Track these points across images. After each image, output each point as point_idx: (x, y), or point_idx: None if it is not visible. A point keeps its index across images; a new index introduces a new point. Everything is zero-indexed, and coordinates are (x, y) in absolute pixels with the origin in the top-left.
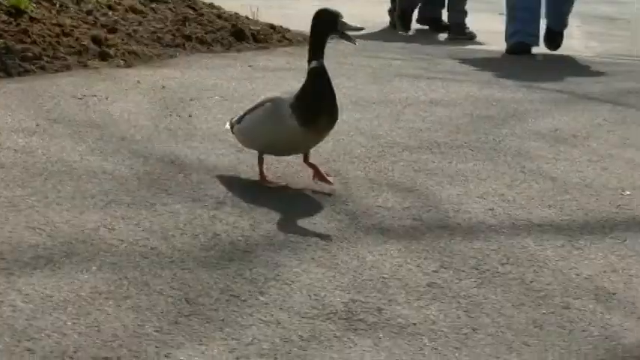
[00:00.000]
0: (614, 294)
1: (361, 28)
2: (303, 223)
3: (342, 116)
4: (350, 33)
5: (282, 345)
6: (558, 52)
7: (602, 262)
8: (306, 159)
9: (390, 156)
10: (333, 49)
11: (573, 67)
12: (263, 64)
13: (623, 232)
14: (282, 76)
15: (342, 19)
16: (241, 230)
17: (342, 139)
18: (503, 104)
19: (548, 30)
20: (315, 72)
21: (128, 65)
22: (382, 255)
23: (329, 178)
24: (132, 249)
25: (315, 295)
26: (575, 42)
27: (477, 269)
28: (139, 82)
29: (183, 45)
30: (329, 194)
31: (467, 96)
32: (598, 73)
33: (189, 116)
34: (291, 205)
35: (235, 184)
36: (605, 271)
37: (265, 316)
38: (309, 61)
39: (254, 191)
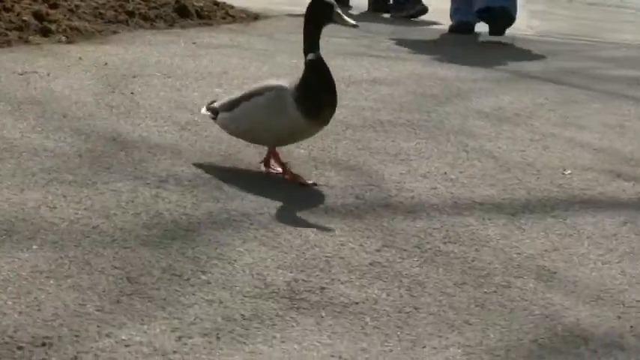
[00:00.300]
0: (554, 273)
1: (356, 26)
2: (246, 201)
3: None
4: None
5: (225, 324)
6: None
7: (543, 241)
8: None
9: (334, 134)
10: (275, 26)
11: (516, 45)
12: (207, 40)
13: (564, 211)
14: (226, 53)
15: (338, 10)
16: (184, 209)
17: None
18: (447, 83)
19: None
20: (314, 64)
21: (70, 41)
22: (325, 234)
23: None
24: (73, 227)
25: (257, 274)
26: (518, 21)
27: (420, 248)
28: (80, 58)
29: (126, 21)
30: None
31: (410, 74)
32: (540, 53)
33: (132, 93)
34: (235, 183)
35: (178, 163)
36: (546, 250)
37: (208, 295)
38: (306, 53)
39: (197, 169)
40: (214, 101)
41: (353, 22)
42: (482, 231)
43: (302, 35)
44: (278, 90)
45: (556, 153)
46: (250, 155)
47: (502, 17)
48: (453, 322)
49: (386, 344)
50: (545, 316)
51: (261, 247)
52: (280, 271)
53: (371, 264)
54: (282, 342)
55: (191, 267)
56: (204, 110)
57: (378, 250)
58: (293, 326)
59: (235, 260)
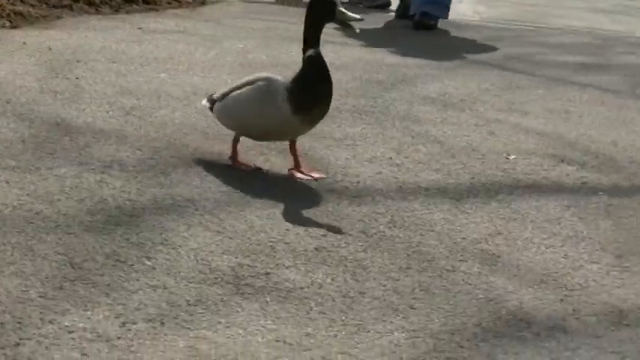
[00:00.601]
0: (498, 257)
1: (360, 19)
2: (191, 187)
3: (231, 78)
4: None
5: (169, 310)
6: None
7: (487, 225)
8: (292, 147)
9: None
10: (222, 11)
11: (462, 32)
12: (152, 26)
13: (508, 196)
14: (171, 39)
15: (340, 8)
16: (128, 194)
17: None
18: (393, 69)
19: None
20: (312, 60)
21: (14, 26)
22: (270, 219)
23: (314, 175)
24: (16, 213)
25: (202, 259)
26: (464, 7)
27: (365, 233)
28: (24, 43)
29: (71, 6)
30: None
31: (357, 60)
32: (486, 39)
33: (77, 78)
34: (180, 169)
35: (122, 148)
36: (490, 235)
37: (152, 281)
38: (305, 50)
39: (141, 155)
40: (214, 93)
41: (357, 16)
42: (426, 216)
43: (249, 21)
44: (269, 81)
45: (501, 138)
46: (196, 141)
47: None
48: (397, 306)
49: (330, 329)
50: (488, 299)
51: (205, 233)
52: (225, 256)
53: (316, 249)
54: (227, 327)
55: (135, 253)
56: (204, 102)
57: (323, 235)
58: (238, 311)
59: (180, 246)
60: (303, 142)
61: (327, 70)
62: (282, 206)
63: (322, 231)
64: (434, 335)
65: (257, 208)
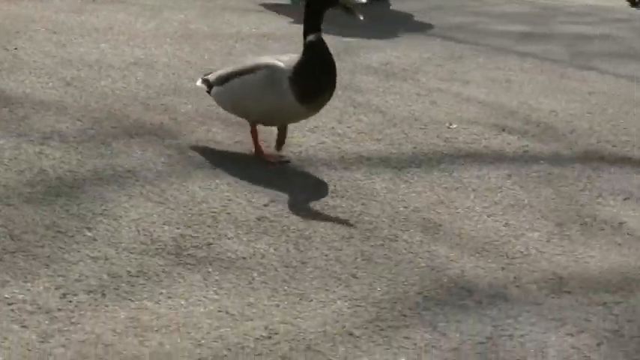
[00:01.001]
0: (440, 226)
1: (365, 4)
2: (132, 158)
3: (172, 49)
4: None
5: (110, 281)
6: None
7: (429, 194)
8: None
9: None
10: None
11: (404, 1)
12: None
13: (450, 165)
14: (112, 9)
15: None
16: (68, 165)
17: (173, 73)
18: (335, 39)
19: None
20: (313, 46)
21: None
22: (212, 190)
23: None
24: None
25: (143, 230)
26: None
27: (307, 203)
28: None
29: None
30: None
31: (299, 30)
32: (428, 8)
33: (15, 49)
34: (121, 139)
35: (62, 119)
36: (432, 204)
37: (93, 252)
38: (306, 34)
39: (82, 126)
40: (210, 73)
41: (362, 0)
42: (369, 185)
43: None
44: (273, 69)
45: (442, 107)
46: (137, 111)
47: None
48: (339, 275)
49: (273, 299)
50: (430, 268)
51: (147, 203)
52: (167, 227)
53: (258, 219)
54: (169, 298)
55: (76, 224)
56: (199, 82)
57: (265, 205)
58: (179, 282)
59: (121, 216)
60: None
61: (330, 56)
62: (224, 177)
63: (264, 201)
64: (376, 304)
65: (199, 179)
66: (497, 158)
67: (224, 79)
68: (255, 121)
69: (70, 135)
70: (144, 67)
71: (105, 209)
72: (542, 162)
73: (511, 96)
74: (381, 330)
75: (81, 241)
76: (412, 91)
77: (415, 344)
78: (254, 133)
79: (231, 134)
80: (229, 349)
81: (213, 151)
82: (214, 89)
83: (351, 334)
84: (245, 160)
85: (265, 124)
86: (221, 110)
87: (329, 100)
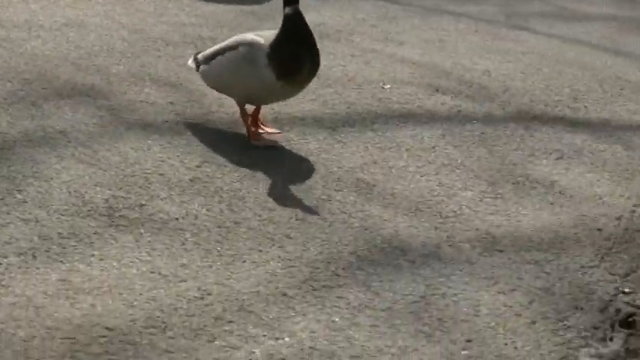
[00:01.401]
0: (374, 186)
1: None
2: (63, 119)
3: (104, 9)
4: None
5: (41, 243)
6: None
7: (363, 154)
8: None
9: (154, 51)
10: None
11: None
12: None
13: (384, 125)
14: None
15: None
16: None
17: (105, 34)
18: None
19: None
20: (290, 19)
21: None
22: (144, 151)
23: (269, 129)
24: None
25: (75, 192)
26: None
27: (237, 164)
28: None
29: None
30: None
31: None
32: None
33: None
34: (51, 101)
35: None
36: (365, 164)
37: (23, 215)
38: (284, 7)
39: (12, 87)
40: (200, 52)
41: None
42: (303, 146)
43: None
44: (252, 46)
45: (376, 68)
46: (68, 72)
47: None
48: (273, 236)
49: (206, 260)
50: (364, 228)
51: (78, 165)
52: (98, 188)
53: (191, 180)
54: (101, 259)
55: (6, 186)
56: (190, 62)
57: (198, 166)
58: (111, 244)
59: (52, 178)
60: (177, 74)
61: (307, 30)
62: (156, 137)
63: (197, 162)
64: (310, 264)
65: (131, 140)
66: (430, 118)
67: (210, 58)
68: (240, 100)
69: (0, 97)
70: (75, 27)
71: (35, 171)
72: (475, 122)
73: (445, 56)
74: (315, 290)
75: (11, 204)
76: (346, 51)
77: (349, 304)
78: (245, 117)
79: (163, 95)
80: (162, 311)
81: (145, 113)
82: (201, 68)
83: (284, 295)
84: (177, 122)
85: (252, 103)
86: (153, 71)
87: (312, 76)
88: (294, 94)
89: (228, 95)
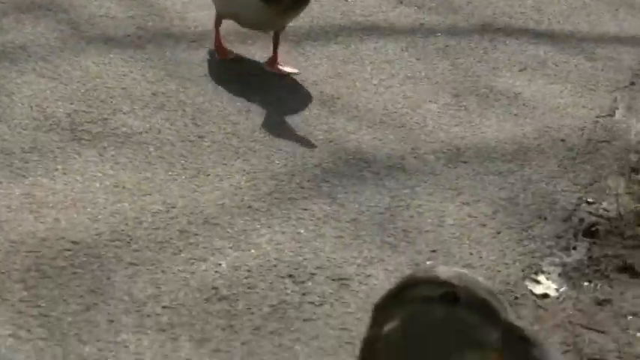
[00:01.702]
0: (338, 98)
1: None
2: (24, 33)
3: None
4: None
5: (3, 158)
6: None
7: (326, 67)
8: (275, 38)
9: None
10: None
11: None
12: None
13: (347, 38)
14: None
15: None
16: None
17: None
18: None
19: None
20: None
21: None
22: (106, 65)
23: (286, 69)
24: None
25: (37, 106)
26: None
27: (203, 78)
28: None
29: None
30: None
31: None
32: None
33: None
34: (10, 15)
35: None
36: (329, 77)
37: None
38: None
39: None
40: None
41: None
42: (264, 59)
43: None
44: None
45: None
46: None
47: None
48: (237, 149)
49: (170, 173)
50: (329, 140)
51: (40, 79)
52: (60, 102)
53: (154, 94)
54: (64, 174)
55: None
56: None
57: (160, 80)
58: (75, 158)
59: (13, 93)
60: None
61: None
62: (117, 51)
63: (160, 76)
64: (275, 177)
65: (92, 54)
66: (394, 31)
67: None
68: (220, 13)
69: None
70: None
71: None
72: (439, 34)
73: None
74: (280, 202)
75: None
76: None
77: (314, 216)
78: (217, 30)
79: (124, 8)
80: (127, 224)
81: (106, 26)
82: None
83: (249, 207)
84: (139, 36)
85: (244, 26)
86: None
87: (299, 5)
88: (284, 22)
89: (231, 18)
